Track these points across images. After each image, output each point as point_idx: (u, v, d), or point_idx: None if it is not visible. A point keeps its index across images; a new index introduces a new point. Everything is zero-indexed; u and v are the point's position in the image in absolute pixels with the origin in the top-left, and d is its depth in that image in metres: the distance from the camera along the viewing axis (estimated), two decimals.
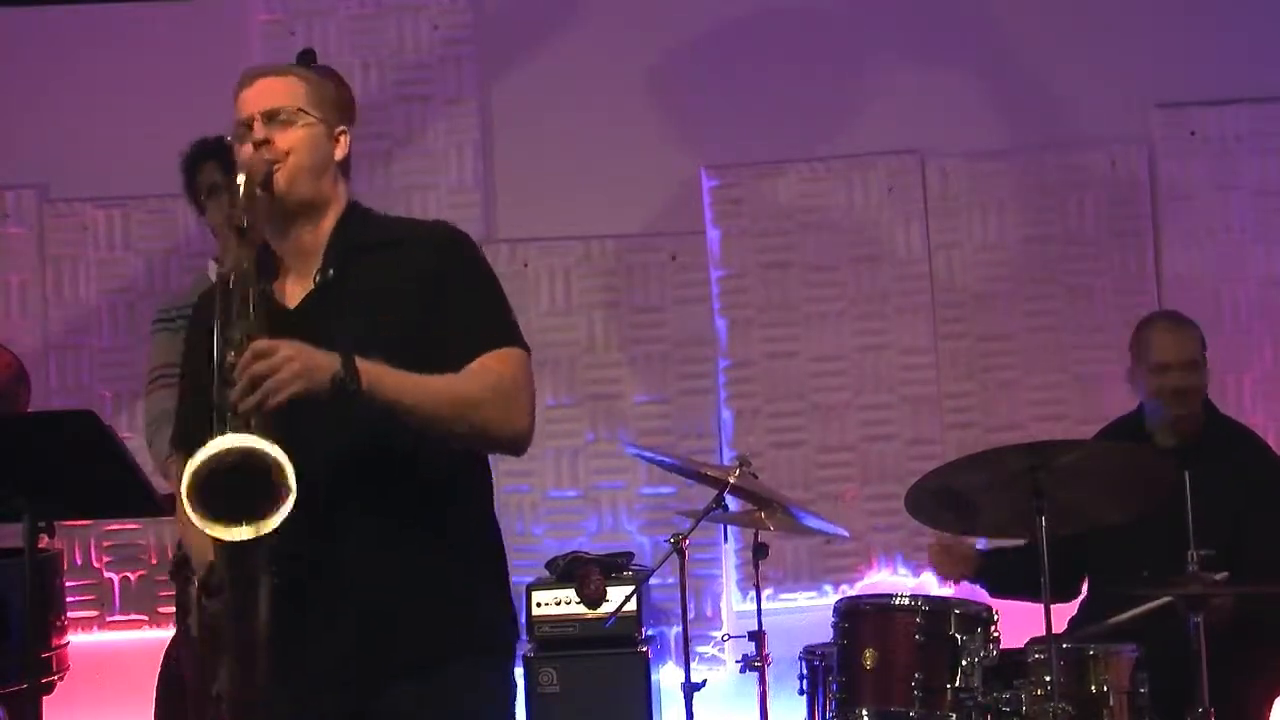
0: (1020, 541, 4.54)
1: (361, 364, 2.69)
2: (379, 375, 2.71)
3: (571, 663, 5.23)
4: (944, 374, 5.76)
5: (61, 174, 5.81)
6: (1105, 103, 5.81)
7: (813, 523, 4.71)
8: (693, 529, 4.64)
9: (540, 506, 5.75)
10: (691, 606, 5.33)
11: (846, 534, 4.93)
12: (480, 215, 5.83)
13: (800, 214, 5.81)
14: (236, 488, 2.56)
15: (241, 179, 2.82)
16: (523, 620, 5.29)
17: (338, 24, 5.84)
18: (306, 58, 4.44)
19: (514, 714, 3.09)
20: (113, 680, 5.40)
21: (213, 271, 4.63)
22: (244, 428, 2.59)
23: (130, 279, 5.78)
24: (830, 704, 4.26)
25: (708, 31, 5.89)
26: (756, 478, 4.78)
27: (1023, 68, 5.85)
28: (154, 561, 5.62)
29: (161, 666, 4.76)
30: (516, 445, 2.91)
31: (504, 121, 5.91)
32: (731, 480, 4.60)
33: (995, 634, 4.11)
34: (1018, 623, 4.26)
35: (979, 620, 4.11)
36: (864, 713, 4.13)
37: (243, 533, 2.57)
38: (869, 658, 4.14)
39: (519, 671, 5.15)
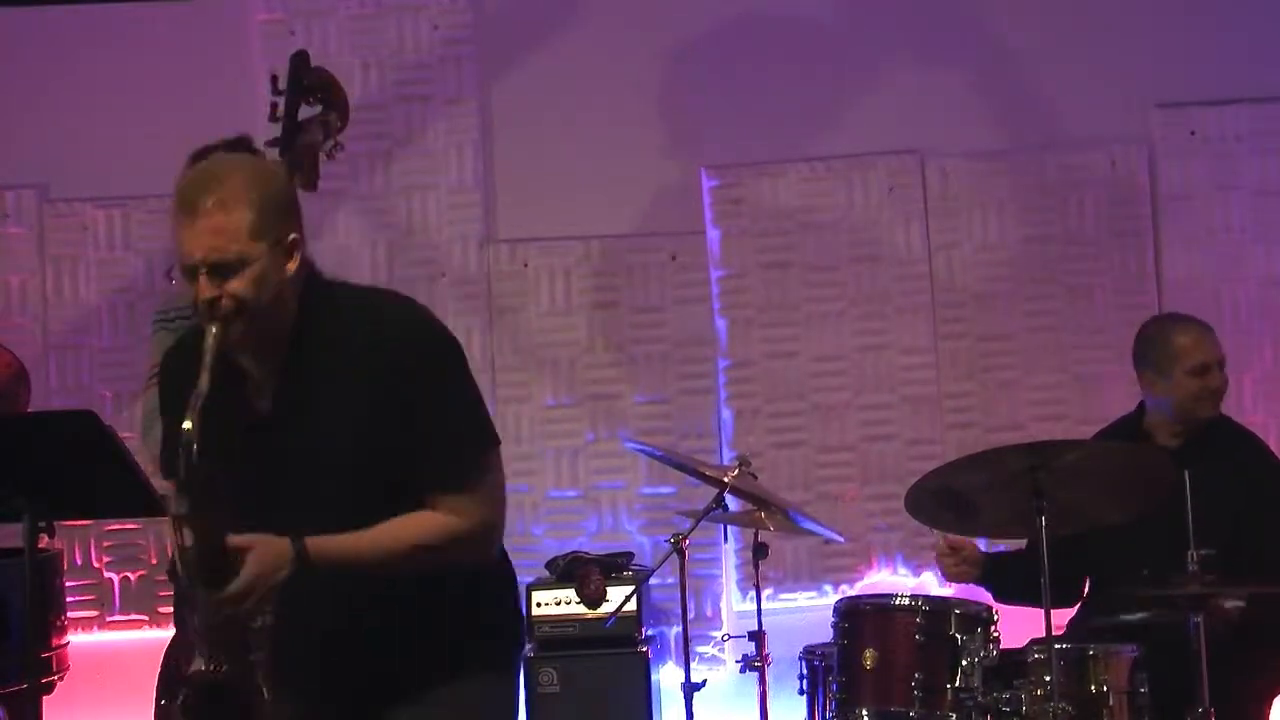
0: (1023, 543, 4.53)
1: (313, 547, 2.73)
2: (329, 554, 2.75)
3: (571, 663, 5.23)
4: (944, 374, 5.76)
5: (61, 174, 5.81)
6: (1105, 103, 5.81)
7: (809, 526, 4.71)
8: (693, 529, 4.64)
9: (540, 506, 5.75)
10: (691, 606, 5.33)
11: (843, 539, 4.93)
12: (480, 215, 5.83)
13: (800, 214, 5.81)
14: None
15: (210, 349, 2.75)
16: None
17: (338, 24, 5.83)
18: (299, 60, 4.44)
19: None
20: (113, 680, 5.40)
21: None
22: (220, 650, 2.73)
23: (130, 279, 5.78)
24: (830, 704, 4.26)
25: (707, 32, 5.89)
26: (756, 478, 4.78)
27: (1023, 68, 5.85)
28: (154, 561, 5.62)
29: (161, 666, 4.75)
30: (478, 566, 2.94)
31: (504, 121, 5.90)
32: (731, 480, 4.60)
33: (995, 634, 4.11)
34: (1018, 623, 4.26)
35: (979, 620, 4.12)
36: (864, 713, 4.13)
37: None
38: (869, 658, 4.14)
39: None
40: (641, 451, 5.26)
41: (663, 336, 5.81)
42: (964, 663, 4.06)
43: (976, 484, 4.11)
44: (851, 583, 5.69)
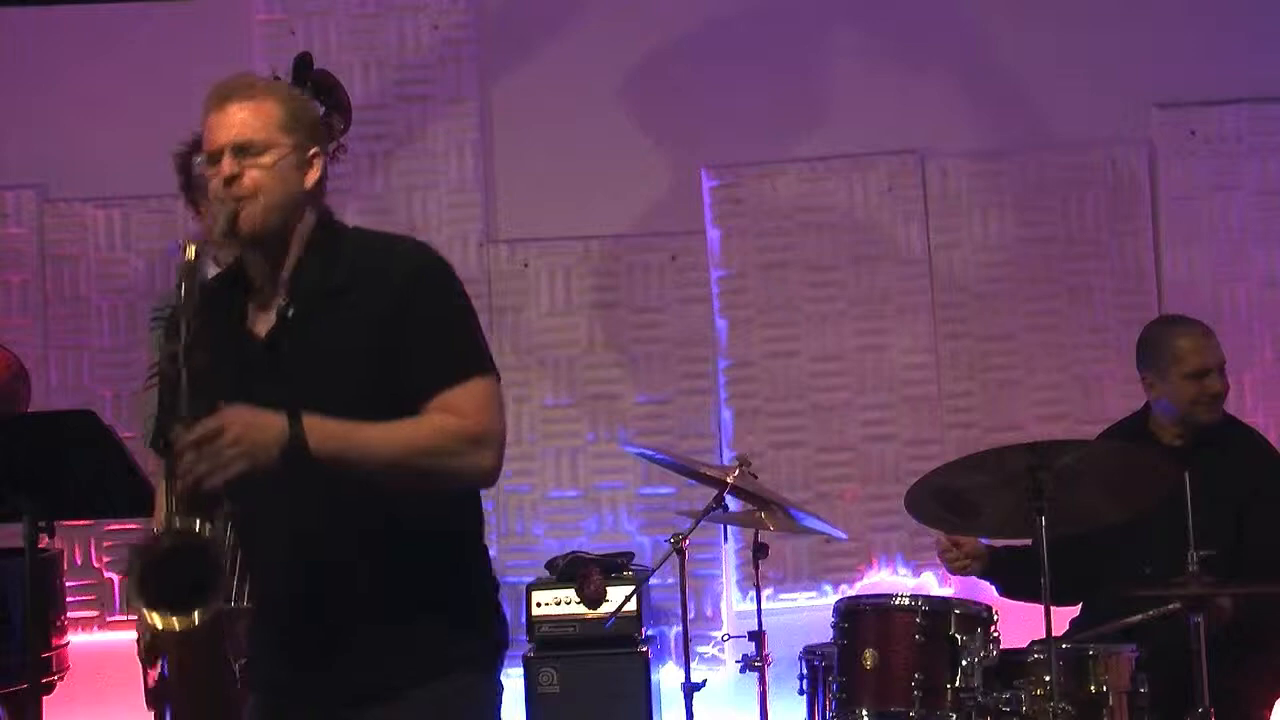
0: (1027, 542, 4.53)
1: (310, 423, 2.66)
2: (329, 433, 2.67)
3: (571, 663, 5.23)
4: (944, 374, 5.76)
5: (61, 174, 5.81)
6: (1105, 103, 5.81)
7: (811, 524, 4.71)
8: (693, 529, 4.64)
9: (540, 506, 5.75)
10: (691, 606, 5.33)
11: (844, 536, 4.93)
12: (480, 215, 5.84)
13: (800, 214, 5.81)
14: (181, 569, 2.60)
15: (217, 226, 2.80)
16: (523, 620, 5.30)
17: (338, 24, 5.84)
18: (303, 63, 4.44)
19: None
20: (113, 680, 5.40)
21: (210, 270, 4.65)
22: (186, 511, 2.62)
23: (130, 279, 5.78)
24: (830, 704, 4.26)
25: (707, 31, 5.89)
26: (756, 478, 4.78)
27: (1023, 68, 5.85)
28: None
29: (161, 666, 4.75)
30: (484, 482, 2.86)
31: (504, 121, 5.91)
32: (731, 480, 4.60)
33: (995, 634, 4.11)
34: (1018, 623, 4.26)
35: (979, 620, 4.11)
36: (864, 713, 4.13)
37: (173, 623, 2.60)
38: (869, 658, 4.13)
39: (519, 672, 5.17)
40: (641, 455, 5.26)
41: (663, 336, 5.81)
42: (964, 663, 4.06)
43: (976, 484, 4.11)
44: (851, 583, 5.69)
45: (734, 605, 5.69)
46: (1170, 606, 4.06)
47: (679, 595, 4.77)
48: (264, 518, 2.83)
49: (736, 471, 4.63)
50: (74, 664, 4.99)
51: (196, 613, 2.60)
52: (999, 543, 4.65)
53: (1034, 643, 4.11)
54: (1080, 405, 5.68)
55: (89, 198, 5.79)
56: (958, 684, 4.05)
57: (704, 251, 5.82)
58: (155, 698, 4.55)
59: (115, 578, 5.67)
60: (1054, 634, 3.95)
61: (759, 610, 4.78)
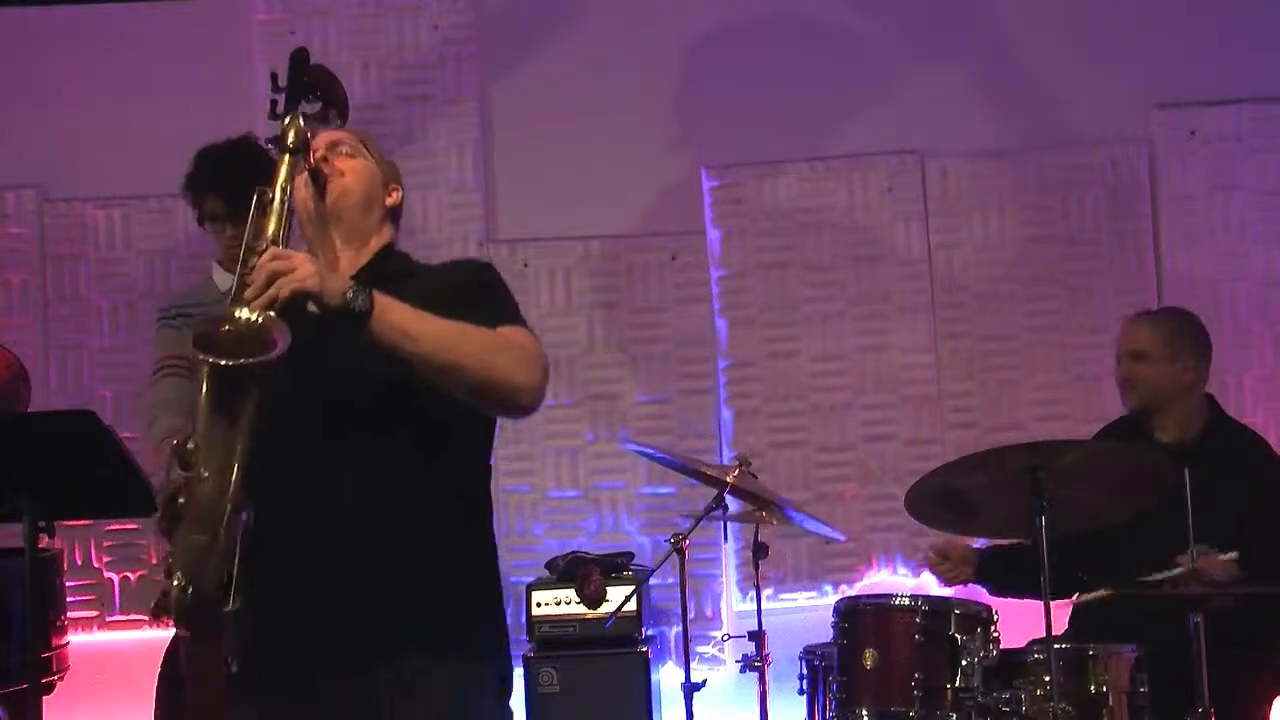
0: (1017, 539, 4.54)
1: (379, 295, 2.75)
2: (391, 303, 2.76)
3: (571, 663, 5.23)
4: (944, 374, 5.76)
5: (61, 174, 5.80)
6: (1105, 103, 5.81)
7: (810, 525, 4.71)
8: (693, 529, 4.64)
9: (540, 506, 5.75)
10: (691, 606, 5.34)
11: (843, 537, 4.93)
12: (480, 215, 5.84)
13: (800, 214, 5.81)
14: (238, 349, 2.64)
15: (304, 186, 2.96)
16: (523, 620, 5.30)
17: (338, 24, 5.84)
18: (299, 58, 4.43)
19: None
20: (113, 680, 5.40)
21: (217, 274, 4.66)
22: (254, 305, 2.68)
23: (130, 279, 5.77)
24: (830, 704, 4.27)
25: (708, 32, 5.89)
26: (756, 478, 4.79)
27: (1023, 68, 5.85)
28: (154, 561, 5.62)
29: (161, 666, 4.76)
30: (523, 398, 2.88)
31: (504, 121, 5.91)
32: (731, 480, 4.60)
33: (995, 634, 4.11)
34: (1018, 623, 4.26)
35: (979, 620, 4.12)
36: (864, 713, 4.13)
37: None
38: (869, 658, 4.14)
39: (519, 672, 5.17)
40: (640, 453, 5.26)
41: (663, 336, 5.81)
42: (964, 663, 4.06)
43: (976, 484, 4.11)
44: (851, 583, 5.69)
45: (734, 605, 5.69)
46: (1177, 571, 4.07)
47: (679, 595, 4.78)
48: (281, 514, 2.82)
49: (736, 471, 4.63)
50: (74, 664, 4.98)
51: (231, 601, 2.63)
52: (981, 543, 4.67)
53: (1034, 643, 4.11)
54: (1080, 405, 5.68)
55: (89, 198, 5.78)
56: (958, 684, 4.06)
57: (704, 251, 5.82)
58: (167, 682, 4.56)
59: (115, 578, 5.67)
60: (1054, 633, 3.95)
61: (759, 610, 4.79)
